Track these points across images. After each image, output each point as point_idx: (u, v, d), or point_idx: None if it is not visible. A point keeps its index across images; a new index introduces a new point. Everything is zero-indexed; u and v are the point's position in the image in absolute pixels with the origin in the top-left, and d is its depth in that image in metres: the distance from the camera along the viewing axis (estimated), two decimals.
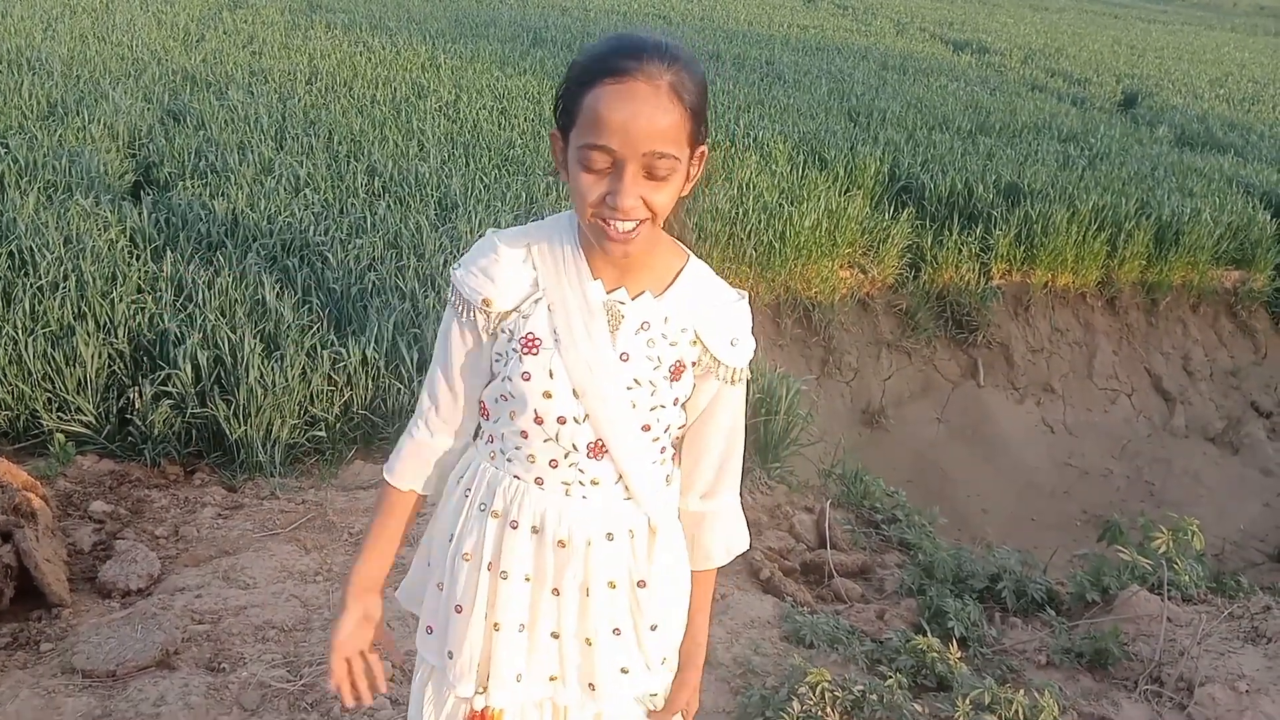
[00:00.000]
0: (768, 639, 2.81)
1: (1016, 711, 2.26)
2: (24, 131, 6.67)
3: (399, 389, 4.37)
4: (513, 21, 13.91)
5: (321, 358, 4.31)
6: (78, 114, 7.11)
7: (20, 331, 4.18)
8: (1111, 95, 13.86)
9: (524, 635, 1.50)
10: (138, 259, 4.88)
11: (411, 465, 1.55)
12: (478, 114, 8.30)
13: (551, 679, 1.52)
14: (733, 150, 8.02)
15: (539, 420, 1.41)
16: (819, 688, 2.31)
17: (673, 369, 1.43)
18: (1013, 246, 7.48)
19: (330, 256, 5.15)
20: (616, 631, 1.50)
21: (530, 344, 1.39)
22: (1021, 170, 8.61)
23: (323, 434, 4.19)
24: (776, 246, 6.59)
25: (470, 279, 1.41)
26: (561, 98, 1.31)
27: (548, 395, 1.40)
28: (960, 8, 25.32)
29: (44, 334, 4.22)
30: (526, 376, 1.40)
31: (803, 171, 7.83)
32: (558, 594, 1.48)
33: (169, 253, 4.94)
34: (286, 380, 4.14)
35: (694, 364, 1.45)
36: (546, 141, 7.70)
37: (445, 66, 10.18)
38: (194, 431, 4.10)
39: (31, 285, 4.45)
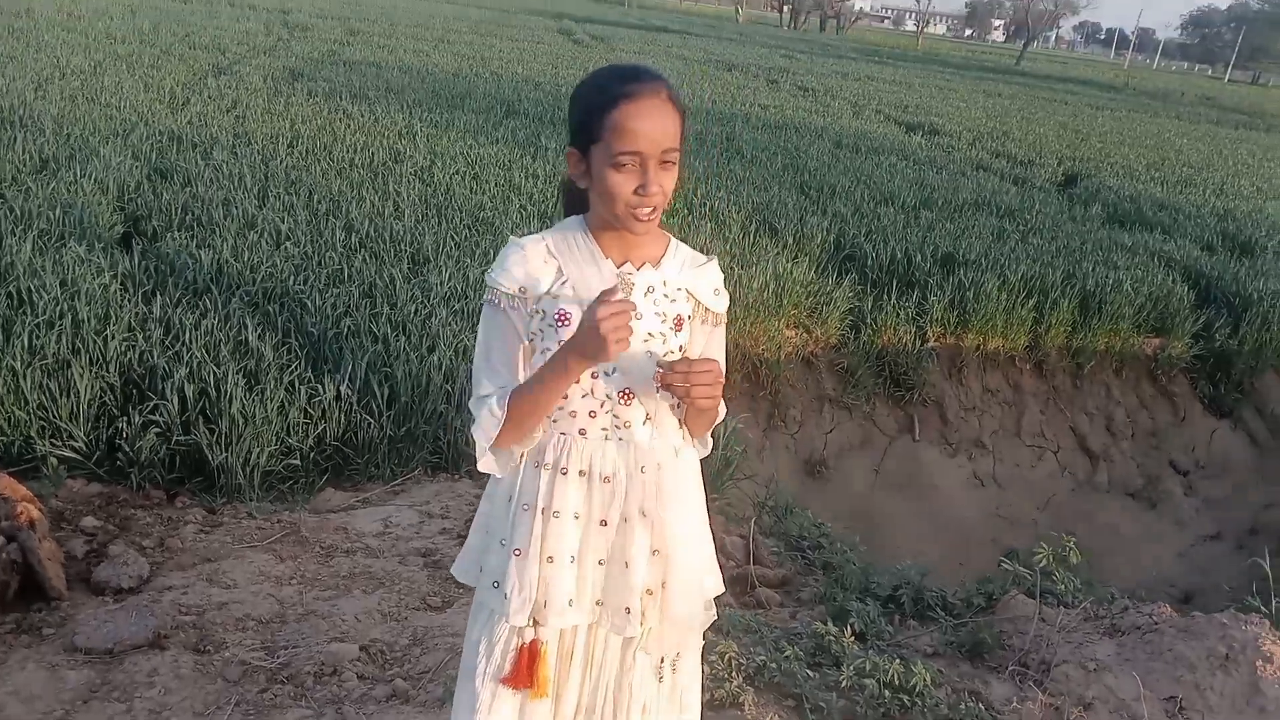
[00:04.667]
0: None
1: (893, 677, 2.66)
2: (18, 184, 7.08)
3: (369, 423, 4.75)
4: (487, 94, 14.54)
5: (299, 393, 4.69)
6: (69, 169, 7.51)
7: (19, 364, 4.51)
8: (1052, 176, 14.66)
9: (574, 565, 1.81)
10: (129, 301, 5.26)
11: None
12: (451, 179, 8.81)
13: (597, 603, 1.83)
14: (689, 217, 8.57)
15: (576, 379, 1.76)
16: (726, 656, 2.70)
17: (675, 321, 1.83)
18: (947, 311, 8.01)
19: (309, 303, 5.56)
20: (656, 553, 1.83)
21: (563, 318, 1.76)
22: (958, 242, 9.22)
23: (298, 462, 4.55)
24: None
25: (505, 276, 1.78)
26: (581, 122, 1.70)
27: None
28: (916, 91, 26.47)
29: (41, 366, 4.55)
30: (561, 344, 1.74)
31: (754, 239, 8.39)
32: (605, 524, 1.81)
33: (158, 296, 5.33)
34: (266, 412, 4.51)
35: (689, 316, 1.85)
36: (515, 204, 8.22)
37: (421, 134, 10.72)
38: (178, 458, 4.43)
39: (30, 322, 4.81)
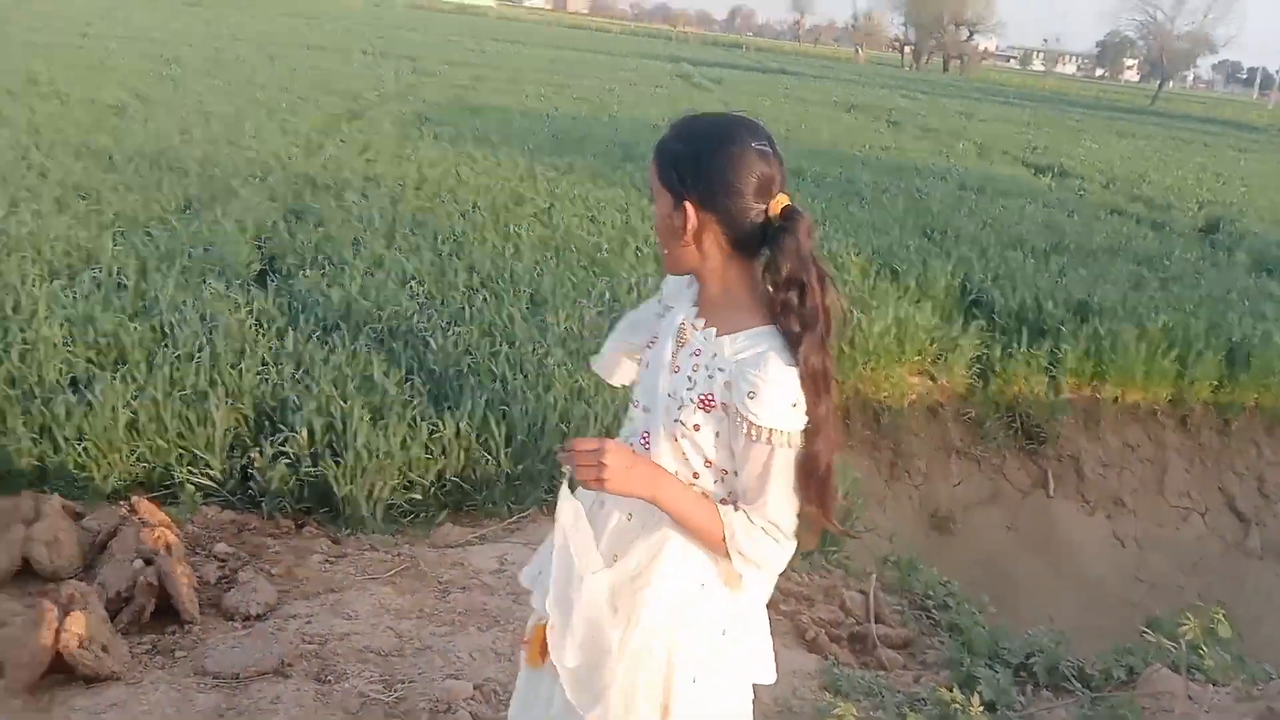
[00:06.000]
0: (807, 687, 3.07)
1: None
2: (164, 223, 7.49)
3: (487, 459, 4.79)
4: (606, 138, 14.75)
5: (420, 428, 4.76)
6: (210, 209, 7.92)
7: (160, 394, 4.72)
8: (1193, 221, 13.99)
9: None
10: (263, 336, 5.46)
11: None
12: (569, 221, 8.92)
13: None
14: None
15: (635, 401, 1.86)
16: (844, 719, 2.58)
17: (702, 397, 1.69)
18: (1082, 361, 7.66)
19: (431, 341, 5.67)
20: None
21: (652, 340, 1.86)
22: (1092, 289, 8.83)
23: (419, 497, 4.61)
24: (845, 350, 6.92)
25: (663, 286, 1.96)
26: None
27: (637, 381, 1.88)
28: (1046, 133, 25.75)
29: (180, 397, 4.75)
30: (643, 364, 1.88)
31: (874, 282, 8.21)
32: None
33: (291, 332, 5.51)
34: (389, 446, 4.59)
35: (724, 405, 1.67)
36: (631, 246, 8.27)
37: (542, 178, 10.92)
38: (305, 489, 4.55)
39: (171, 355, 5.04)
